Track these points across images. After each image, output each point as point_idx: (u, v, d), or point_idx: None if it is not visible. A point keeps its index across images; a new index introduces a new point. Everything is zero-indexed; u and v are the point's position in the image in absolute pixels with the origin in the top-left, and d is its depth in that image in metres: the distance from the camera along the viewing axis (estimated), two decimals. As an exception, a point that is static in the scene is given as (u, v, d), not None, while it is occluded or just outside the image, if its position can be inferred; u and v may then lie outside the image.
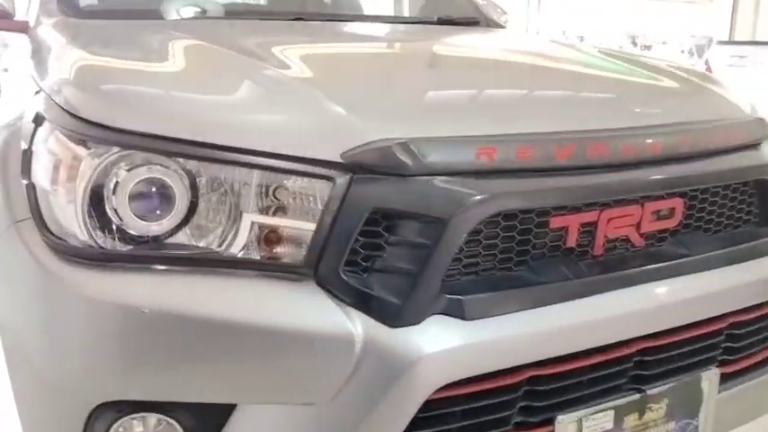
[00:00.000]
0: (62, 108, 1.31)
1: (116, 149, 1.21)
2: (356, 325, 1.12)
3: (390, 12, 3.18)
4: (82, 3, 2.15)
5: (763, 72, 8.33)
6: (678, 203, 1.38)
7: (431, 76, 1.60)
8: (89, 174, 1.20)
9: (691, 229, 1.44)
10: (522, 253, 1.25)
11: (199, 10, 2.28)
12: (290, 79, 1.42)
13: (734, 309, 1.44)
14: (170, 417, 1.22)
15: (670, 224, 1.39)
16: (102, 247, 1.21)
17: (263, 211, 1.22)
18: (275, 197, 1.22)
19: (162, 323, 1.14)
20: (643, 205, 1.33)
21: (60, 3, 2.02)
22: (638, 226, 1.33)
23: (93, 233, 1.21)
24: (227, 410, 1.20)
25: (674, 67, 1.91)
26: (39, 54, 1.74)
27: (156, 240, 1.24)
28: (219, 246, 1.24)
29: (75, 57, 1.52)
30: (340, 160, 1.16)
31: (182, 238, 1.25)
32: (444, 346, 1.12)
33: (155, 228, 1.21)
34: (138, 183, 1.20)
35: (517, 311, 1.19)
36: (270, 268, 1.20)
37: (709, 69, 8.26)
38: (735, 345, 1.50)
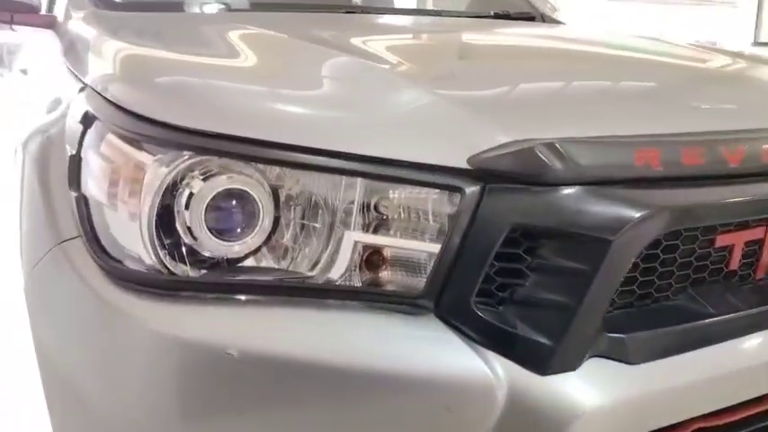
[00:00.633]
0: (118, 106, 1.09)
1: (187, 154, 0.99)
2: (496, 371, 0.90)
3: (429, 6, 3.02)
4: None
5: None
6: None
7: (540, 71, 1.38)
8: (156, 185, 0.99)
9: None
10: (682, 278, 1.03)
11: (244, 2, 2.08)
12: (391, 73, 1.20)
13: None
14: None
15: None
16: (172, 273, 1.00)
17: (368, 228, 1.00)
18: (382, 212, 1.01)
19: (254, 367, 0.92)
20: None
21: (94, -6, 1.81)
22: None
23: (161, 256, 0.99)
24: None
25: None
26: (77, 49, 1.52)
27: (235, 264, 1.03)
28: (311, 270, 1.02)
29: (130, 49, 1.31)
30: (467, 166, 0.94)
31: (264, 260, 1.04)
32: (609, 399, 0.90)
33: (237, 248, 0.99)
34: (217, 195, 0.98)
35: (685, 352, 0.96)
36: (377, 298, 0.98)
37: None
38: None
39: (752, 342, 1.02)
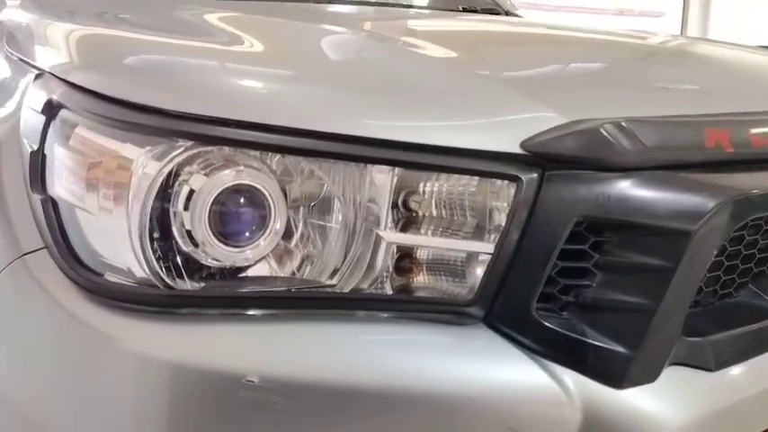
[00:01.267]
0: (91, 92, 0.92)
1: (183, 144, 0.83)
2: (566, 386, 0.78)
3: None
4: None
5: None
6: None
7: (559, 56, 1.27)
8: (148, 183, 0.82)
9: None
10: (745, 273, 0.93)
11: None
12: (419, 52, 1.06)
13: None
14: None
15: None
16: (168, 286, 0.83)
17: (402, 227, 0.87)
18: (419, 207, 0.87)
19: (279, 396, 0.76)
20: None
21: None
22: None
23: (156, 267, 0.83)
24: None
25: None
26: (23, 35, 1.33)
27: (239, 274, 0.88)
28: (330, 278, 0.87)
29: (100, 30, 1.14)
30: (521, 151, 0.81)
31: (273, 268, 0.89)
32: (695, 413, 0.78)
33: (249, 254, 0.84)
34: (223, 192, 0.82)
35: (762, 353, 0.86)
36: (415, 308, 0.85)
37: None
38: None
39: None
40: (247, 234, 0.84)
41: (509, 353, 0.80)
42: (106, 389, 0.84)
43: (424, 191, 0.88)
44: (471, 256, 0.85)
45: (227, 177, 0.82)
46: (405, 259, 0.89)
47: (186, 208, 0.82)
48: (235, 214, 0.84)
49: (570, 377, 0.78)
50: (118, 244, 0.84)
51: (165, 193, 0.83)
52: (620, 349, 0.78)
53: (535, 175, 0.80)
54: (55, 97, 0.97)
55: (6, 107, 1.17)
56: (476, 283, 0.85)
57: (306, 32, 1.18)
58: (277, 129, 0.82)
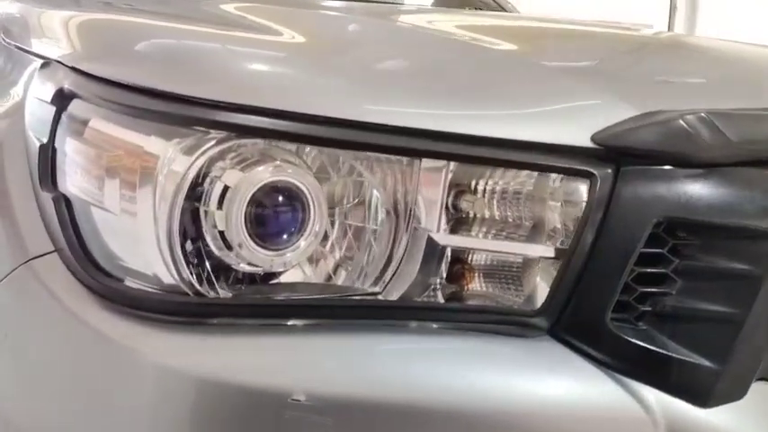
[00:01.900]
0: (109, 80, 0.84)
1: (216, 136, 0.75)
2: (648, 405, 0.70)
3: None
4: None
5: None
6: None
7: (624, 50, 1.20)
8: (178, 179, 0.73)
9: None
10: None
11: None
12: (472, 42, 0.99)
13: None
14: None
15: None
16: (198, 293, 0.75)
17: (457, 227, 0.79)
18: (470, 208, 0.80)
19: (330, 417, 0.68)
20: None
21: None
22: None
23: (186, 273, 0.74)
24: None
25: None
26: (24, 23, 1.24)
27: (272, 280, 0.80)
28: (374, 284, 0.79)
29: (115, 16, 1.05)
30: (592, 145, 0.74)
31: (310, 274, 0.81)
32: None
33: (289, 257, 0.75)
34: (260, 189, 0.74)
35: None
36: (472, 318, 0.76)
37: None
38: None
39: None
40: (285, 236, 0.76)
41: (580, 367, 0.72)
42: (125, 409, 0.76)
43: (476, 189, 0.81)
44: (530, 261, 0.78)
45: (265, 173, 0.74)
46: (455, 265, 0.81)
47: (220, 206, 0.73)
48: (273, 214, 0.76)
49: (651, 394, 0.71)
50: (142, 247, 0.75)
51: (194, 190, 0.74)
52: (706, 363, 0.70)
53: (609, 170, 0.73)
54: (66, 86, 0.88)
55: (6, 100, 1.08)
56: (534, 291, 0.78)
57: (342, 22, 1.10)
58: (318, 119, 0.74)
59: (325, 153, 0.80)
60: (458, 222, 0.82)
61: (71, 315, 0.80)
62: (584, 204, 0.74)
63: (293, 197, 0.76)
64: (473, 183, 0.80)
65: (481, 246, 0.78)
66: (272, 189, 0.75)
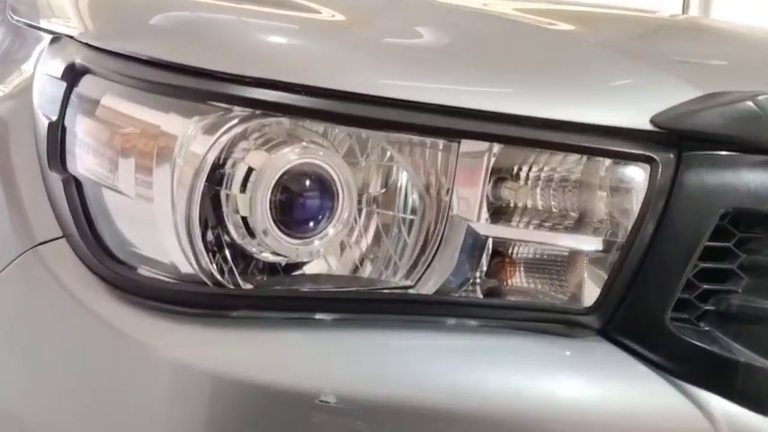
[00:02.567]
0: (123, 54, 0.78)
1: (239, 114, 0.69)
2: (710, 413, 0.64)
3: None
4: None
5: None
6: None
7: (672, 34, 1.14)
8: (197, 161, 0.67)
9: None
10: None
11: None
12: (520, 20, 0.93)
13: None
14: None
15: None
16: (218, 284, 0.69)
17: (499, 218, 0.73)
18: (512, 197, 0.73)
19: (363, 421, 0.62)
20: None
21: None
22: None
23: (206, 262, 0.68)
24: None
25: None
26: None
27: (295, 270, 0.74)
28: (406, 277, 0.73)
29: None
30: (651, 127, 0.68)
31: (334, 265, 0.75)
32: None
33: (317, 245, 0.69)
34: (287, 172, 0.68)
35: None
36: (516, 315, 0.70)
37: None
38: None
39: None
40: (312, 223, 0.70)
41: (636, 371, 0.66)
42: (136, 408, 0.70)
43: (518, 176, 0.74)
44: (577, 255, 0.71)
45: (292, 155, 0.68)
46: (494, 258, 0.75)
47: (243, 190, 0.67)
48: (300, 199, 0.70)
49: (714, 401, 0.64)
50: (158, 233, 0.70)
51: (214, 173, 0.68)
52: (778, 369, 0.64)
53: (671, 155, 0.67)
54: (78, 60, 0.82)
55: (13, 80, 1.03)
56: (581, 287, 0.71)
57: None
58: (350, 96, 0.68)
59: (354, 135, 0.74)
60: (496, 212, 0.75)
61: (79, 305, 0.74)
62: (637, 193, 0.68)
63: (322, 181, 0.70)
64: (515, 169, 0.74)
65: (528, 237, 0.72)
66: (299, 172, 0.69)
